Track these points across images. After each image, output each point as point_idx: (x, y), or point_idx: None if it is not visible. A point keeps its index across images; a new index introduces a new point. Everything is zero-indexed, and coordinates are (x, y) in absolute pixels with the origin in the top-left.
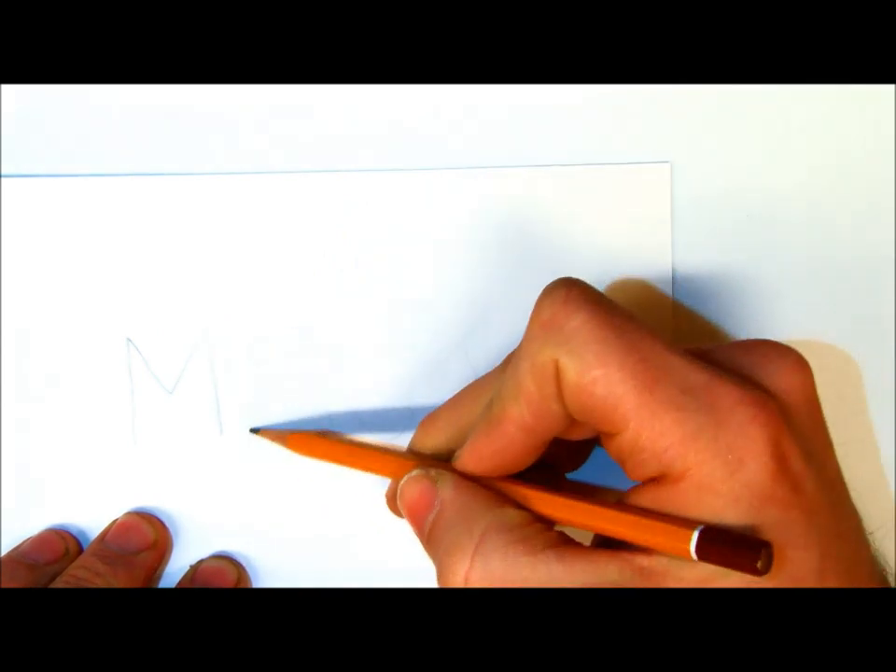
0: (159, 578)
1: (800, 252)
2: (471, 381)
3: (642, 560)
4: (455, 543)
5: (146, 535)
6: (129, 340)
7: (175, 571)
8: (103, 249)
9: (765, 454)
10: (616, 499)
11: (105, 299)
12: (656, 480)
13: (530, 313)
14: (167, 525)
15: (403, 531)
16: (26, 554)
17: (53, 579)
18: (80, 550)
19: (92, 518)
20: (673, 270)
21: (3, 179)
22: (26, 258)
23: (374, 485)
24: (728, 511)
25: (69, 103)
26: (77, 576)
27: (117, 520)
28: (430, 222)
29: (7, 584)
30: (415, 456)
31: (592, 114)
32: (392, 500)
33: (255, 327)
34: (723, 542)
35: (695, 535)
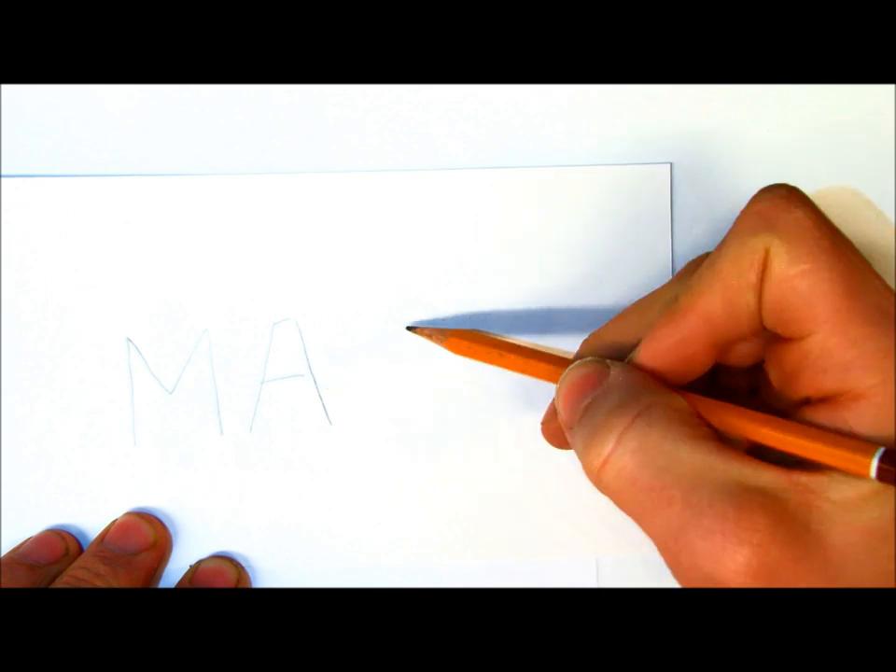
0: (159, 578)
1: None
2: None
3: (800, 476)
4: (609, 417)
5: (145, 535)
6: (129, 340)
7: (174, 571)
8: (103, 249)
9: None
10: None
11: (105, 298)
12: (827, 400)
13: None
14: (167, 525)
15: (403, 532)
16: (26, 555)
17: (53, 579)
18: (80, 550)
19: (92, 518)
20: (673, 270)
21: (3, 179)
22: (26, 258)
23: (374, 485)
24: None
25: (69, 103)
26: (78, 576)
27: (116, 520)
28: (430, 222)
29: (7, 585)
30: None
31: (592, 114)
32: (548, 427)
33: (255, 327)
34: None
35: (878, 454)
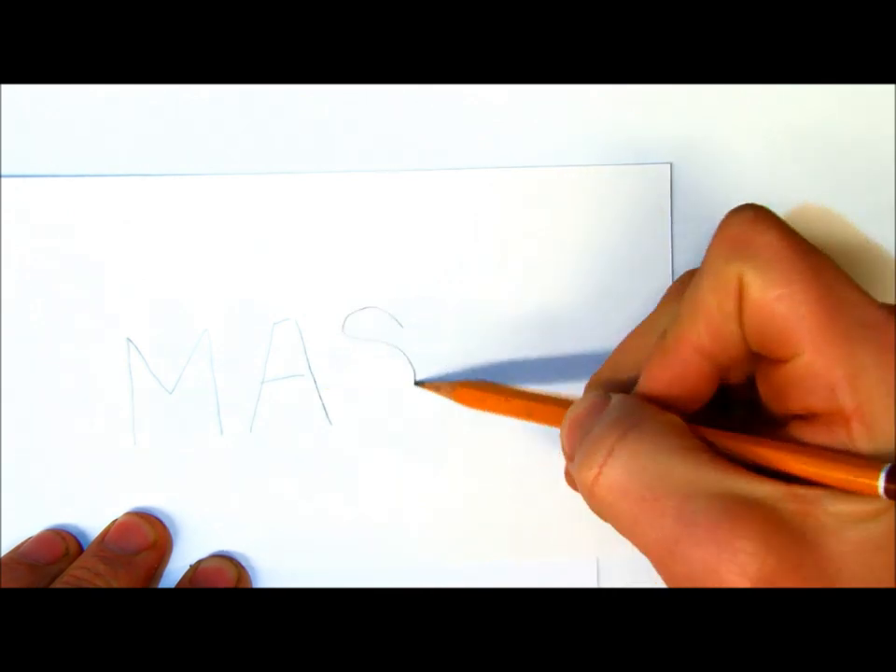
0: (159, 578)
1: None
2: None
3: (797, 488)
4: (601, 433)
5: (145, 535)
6: (129, 340)
7: (174, 571)
8: (103, 249)
9: None
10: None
11: (105, 298)
12: (818, 416)
13: (714, 234)
14: (167, 525)
15: (403, 532)
16: (26, 555)
17: (53, 579)
18: (80, 550)
19: (92, 518)
20: (673, 270)
21: (3, 179)
22: (26, 258)
23: (374, 485)
24: None
25: (69, 103)
26: (78, 576)
27: (117, 520)
28: (430, 222)
29: (7, 585)
30: None
31: (592, 114)
32: (569, 477)
33: (255, 326)
34: None
35: (884, 472)
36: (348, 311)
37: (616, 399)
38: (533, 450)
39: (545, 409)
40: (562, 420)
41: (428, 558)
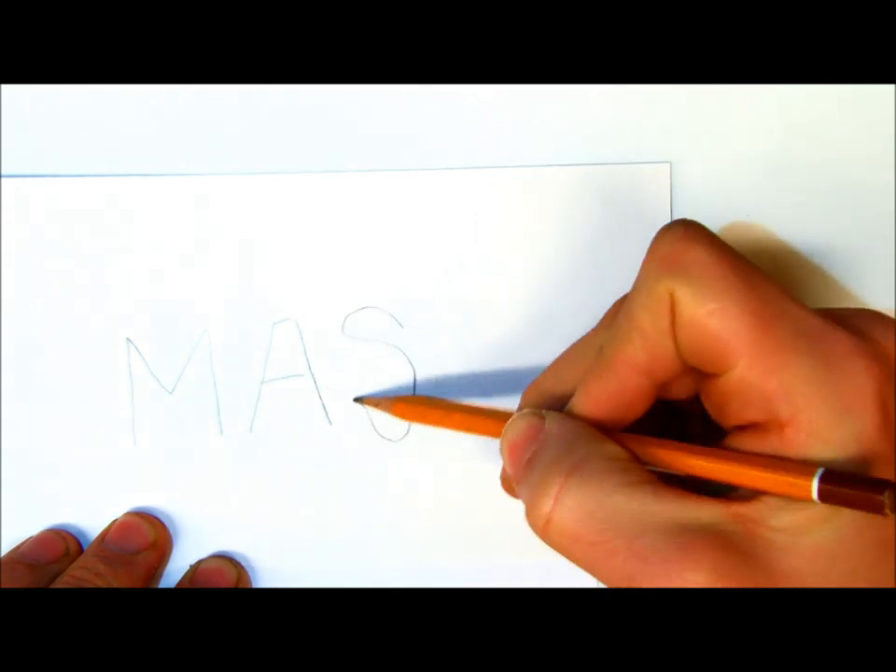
0: (159, 578)
1: (799, 252)
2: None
3: (739, 507)
4: (545, 475)
5: (145, 535)
6: (129, 340)
7: (174, 571)
8: (103, 249)
9: (873, 405)
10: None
11: (105, 299)
12: (758, 426)
13: (645, 253)
14: (167, 525)
15: (403, 531)
16: (26, 555)
17: (54, 579)
18: (80, 550)
19: (92, 518)
20: None
21: (3, 179)
22: (26, 258)
23: (374, 485)
24: (836, 459)
25: (69, 103)
26: (78, 576)
27: (117, 520)
28: (430, 222)
29: (7, 585)
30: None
31: (592, 114)
32: (506, 481)
33: (255, 327)
34: (845, 483)
35: (818, 476)
36: (348, 311)
37: (551, 423)
38: None
39: (485, 422)
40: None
41: (428, 558)
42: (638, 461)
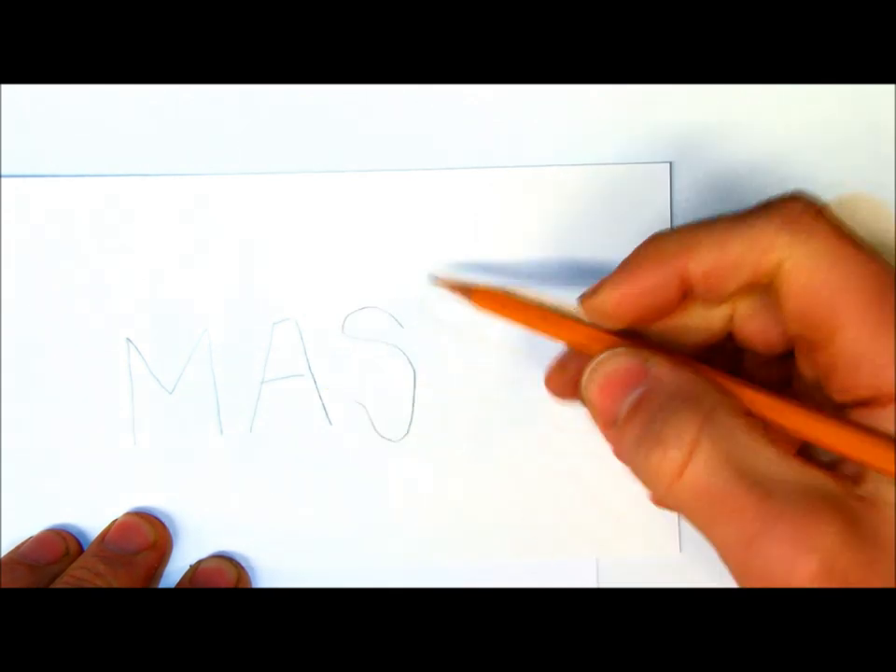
0: (159, 578)
1: None
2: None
3: (851, 485)
4: (675, 424)
5: (145, 535)
6: (129, 340)
7: (175, 571)
8: (103, 249)
9: None
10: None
11: (106, 298)
12: (861, 404)
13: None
14: (167, 524)
15: (403, 532)
16: (26, 555)
17: (54, 579)
18: (80, 550)
19: (92, 518)
20: None
21: (3, 179)
22: (26, 258)
23: (374, 485)
24: None
25: (69, 103)
26: (78, 576)
27: (117, 520)
28: (430, 222)
29: (7, 586)
30: (616, 334)
31: (592, 114)
32: (556, 378)
33: (255, 327)
34: None
35: None
36: (348, 311)
37: (661, 368)
38: (533, 451)
39: (562, 323)
40: (588, 349)
41: (428, 558)
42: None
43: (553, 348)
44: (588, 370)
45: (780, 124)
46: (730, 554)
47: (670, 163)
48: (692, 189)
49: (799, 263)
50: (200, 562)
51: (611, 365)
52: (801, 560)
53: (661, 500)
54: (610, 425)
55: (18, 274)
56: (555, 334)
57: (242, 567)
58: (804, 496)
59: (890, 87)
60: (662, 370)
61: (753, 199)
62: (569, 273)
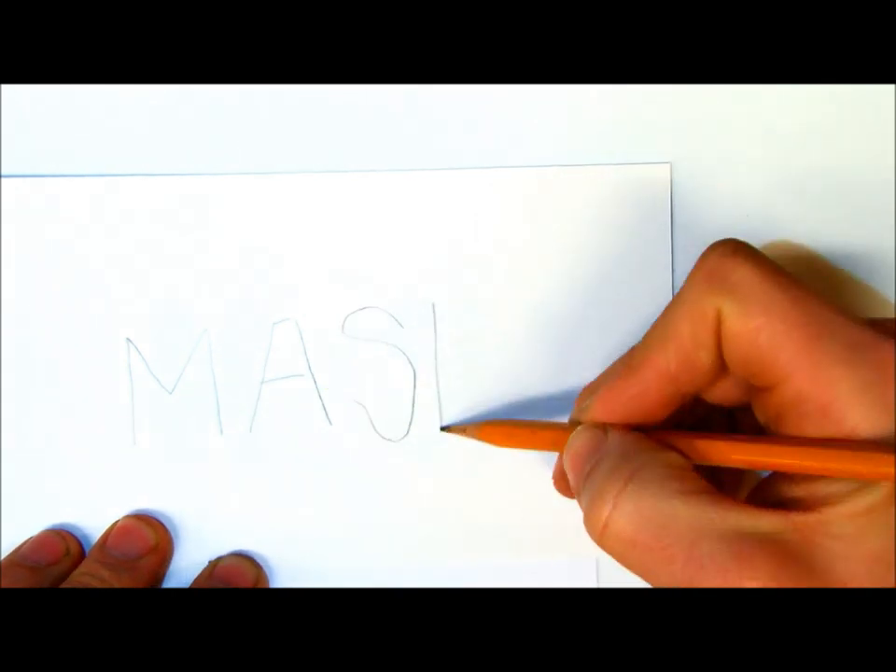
0: (161, 580)
1: (799, 252)
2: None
3: (797, 516)
4: (604, 482)
5: (146, 538)
6: (129, 340)
7: (177, 571)
8: (102, 249)
9: None
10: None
11: (106, 298)
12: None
13: (692, 267)
14: (167, 525)
15: (403, 532)
16: (27, 557)
17: (55, 580)
18: (81, 550)
19: (93, 518)
20: (673, 270)
21: (3, 179)
22: (26, 258)
23: (374, 486)
24: None
25: (69, 103)
26: (82, 582)
27: (117, 522)
28: (430, 222)
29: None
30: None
31: (592, 114)
32: (561, 480)
33: (255, 327)
34: None
35: None
36: (348, 311)
37: (614, 437)
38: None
39: (562, 438)
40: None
41: (428, 558)
42: (696, 470)
43: (553, 347)
44: (564, 452)
45: (780, 124)
46: None
47: (670, 163)
48: (692, 189)
49: (732, 312)
50: (219, 559)
51: (576, 442)
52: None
53: (604, 551)
54: (578, 495)
55: (18, 274)
56: (555, 447)
57: (260, 568)
58: (732, 539)
59: (890, 87)
60: (613, 438)
61: (753, 199)
62: (570, 274)
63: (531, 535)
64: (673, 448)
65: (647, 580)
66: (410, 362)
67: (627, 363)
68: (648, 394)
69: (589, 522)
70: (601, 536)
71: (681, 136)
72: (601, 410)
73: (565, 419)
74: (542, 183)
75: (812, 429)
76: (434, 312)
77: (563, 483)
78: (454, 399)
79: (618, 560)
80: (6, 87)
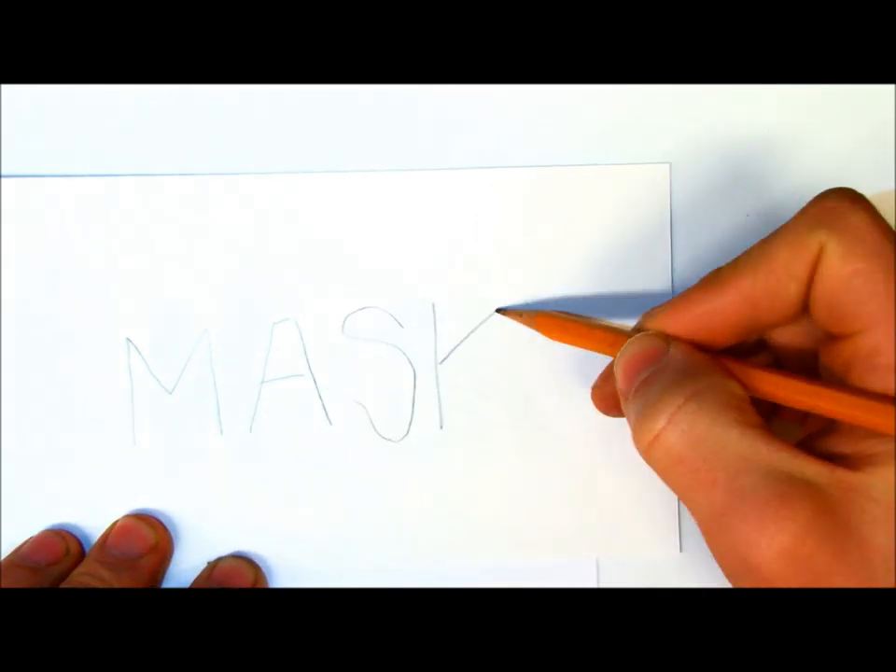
0: (161, 580)
1: None
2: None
3: (844, 473)
4: (662, 395)
5: (146, 538)
6: (129, 340)
7: (178, 571)
8: (102, 249)
9: None
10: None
11: (106, 298)
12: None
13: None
14: (167, 525)
15: (403, 532)
16: (27, 557)
17: (55, 580)
18: (81, 549)
19: (93, 518)
20: (673, 270)
21: (3, 179)
22: (26, 258)
23: (374, 486)
24: None
25: (69, 103)
26: (82, 582)
27: (117, 522)
28: (430, 222)
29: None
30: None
31: (592, 114)
32: (599, 391)
33: (255, 327)
34: None
35: None
36: (348, 311)
37: (675, 349)
38: (533, 451)
39: (619, 340)
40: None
41: (428, 558)
42: (755, 400)
43: (552, 346)
44: (617, 354)
45: (780, 124)
46: (702, 523)
47: (670, 163)
48: (692, 189)
49: (834, 251)
50: (218, 560)
51: (634, 347)
52: (765, 539)
53: (647, 463)
54: (625, 399)
55: (18, 274)
56: (611, 350)
57: (259, 568)
58: (776, 480)
59: (890, 87)
60: (677, 351)
61: (753, 199)
62: (570, 273)
63: (531, 535)
64: (734, 377)
65: (683, 499)
66: (410, 362)
67: (711, 279)
68: (722, 313)
69: (638, 431)
70: (648, 447)
71: (681, 136)
72: (670, 319)
73: (565, 419)
74: (542, 183)
75: (878, 384)
76: (434, 312)
77: (601, 393)
78: (454, 399)
79: (659, 474)
80: (6, 87)
